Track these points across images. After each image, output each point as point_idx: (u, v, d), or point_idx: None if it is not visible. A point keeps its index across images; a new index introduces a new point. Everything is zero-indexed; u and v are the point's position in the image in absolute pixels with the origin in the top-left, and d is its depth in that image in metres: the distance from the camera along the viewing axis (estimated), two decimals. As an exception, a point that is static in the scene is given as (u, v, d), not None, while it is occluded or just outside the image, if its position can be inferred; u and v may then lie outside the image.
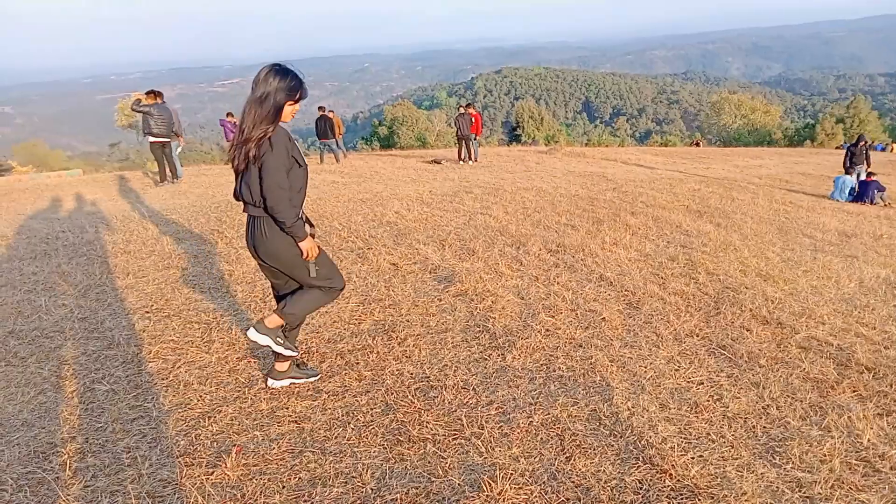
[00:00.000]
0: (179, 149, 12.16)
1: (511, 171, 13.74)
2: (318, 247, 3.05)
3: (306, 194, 3.07)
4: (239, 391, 3.32)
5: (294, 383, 3.38)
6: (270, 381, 3.35)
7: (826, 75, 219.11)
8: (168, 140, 11.12)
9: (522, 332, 4.11)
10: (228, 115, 16.21)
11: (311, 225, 3.11)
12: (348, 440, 2.86)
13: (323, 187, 10.59)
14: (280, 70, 2.82)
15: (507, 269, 5.41)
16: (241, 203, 2.98)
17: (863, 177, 12.74)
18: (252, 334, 3.13)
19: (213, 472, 2.61)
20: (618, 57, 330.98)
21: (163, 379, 3.46)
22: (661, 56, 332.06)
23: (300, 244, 2.93)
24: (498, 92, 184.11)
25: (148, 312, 4.46)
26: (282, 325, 3.19)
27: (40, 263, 5.76)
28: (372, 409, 3.14)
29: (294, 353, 3.27)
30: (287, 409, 3.13)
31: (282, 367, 3.34)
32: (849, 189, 12.21)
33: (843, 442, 2.86)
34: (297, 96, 2.85)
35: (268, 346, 3.17)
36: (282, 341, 3.18)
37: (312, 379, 3.43)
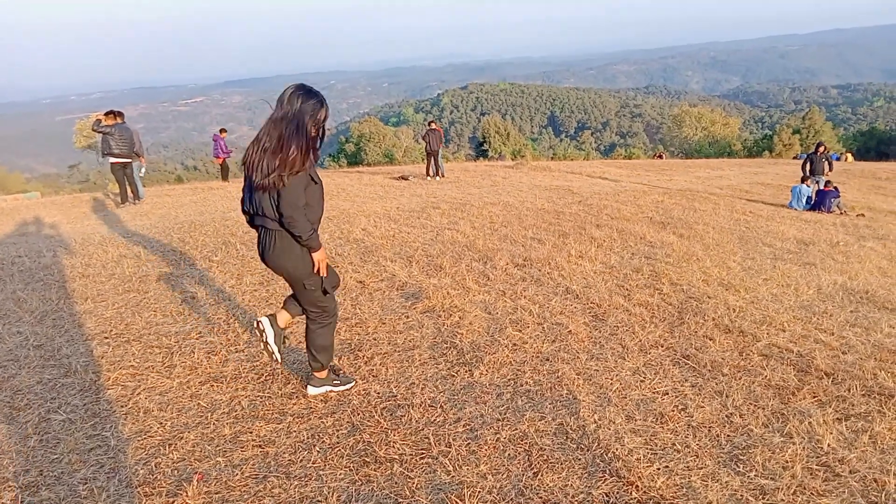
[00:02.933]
0: (143, 170, 11.98)
1: (478, 186, 13.82)
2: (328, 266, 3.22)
3: (323, 211, 3.19)
4: (201, 416, 3.25)
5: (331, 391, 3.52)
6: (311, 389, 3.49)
7: (782, 88, 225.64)
8: (129, 160, 10.93)
9: (490, 347, 4.10)
10: (222, 130, 16.07)
11: None
12: (314, 463, 2.81)
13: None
14: (308, 92, 2.96)
15: (474, 285, 5.42)
16: (246, 216, 3.14)
17: (821, 185, 13.11)
18: (312, 391, 3.43)
19: (173, 502, 2.54)
20: (581, 72, 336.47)
21: (122, 406, 3.36)
22: (623, 70, 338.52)
23: (314, 255, 3.07)
24: (464, 108, 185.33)
25: (107, 338, 4.35)
26: (332, 367, 3.55)
27: (-6, 290, 5.58)
28: (338, 431, 3.09)
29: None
30: (251, 433, 3.07)
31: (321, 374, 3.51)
32: (805, 198, 12.55)
33: (804, 448, 2.91)
34: (321, 116, 2.98)
35: (329, 390, 3.46)
36: (337, 381, 3.50)
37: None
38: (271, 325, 3.34)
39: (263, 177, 2.89)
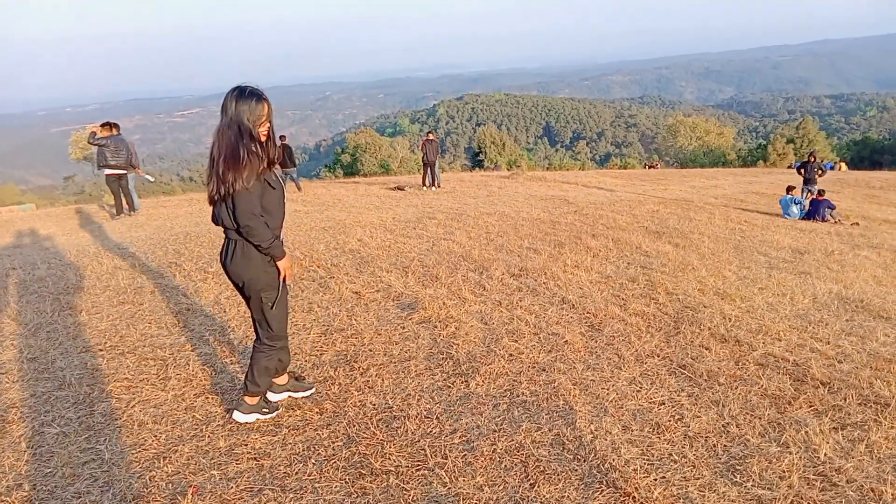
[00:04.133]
0: (149, 178, 11.99)
1: (474, 196, 13.84)
2: (283, 291, 3.12)
3: (285, 215, 3.10)
4: (196, 429, 3.23)
5: (292, 396, 3.51)
6: (271, 395, 3.42)
7: (776, 97, 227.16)
8: (124, 172, 10.93)
9: (486, 357, 4.10)
10: None
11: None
12: (309, 476, 2.79)
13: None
14: (242, 92, 2.84)
15: (470, 295, 5.41)
16: (220, 227, 3.02)
17: (815, 194, 13.17)
18: (239, 417, 3.27)
19: (167, 516, 2.52)
20: (576, 82, 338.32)
21: (116, 419, 3.34)
22: (617, 81, 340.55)
23: (278, 263, 3.00)
24: (460, 118, 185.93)
25: (101, 350, 4.32)
26: (291, 375, 3.49)
27: (-12, 302, 5.55)
28: (333, 443, 3.08)
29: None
30: (246, 445, 3.05)
31: (281, 380, 3.45)
32: (795, 206, 12.61)
33: (800, 457, 2.90)
34: (260, 113, 2.85)
35: (258, 418, 3.29)
36: (266, 409, 3.32)
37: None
38: (278, 393, 3.42)
39: (216, 188, 2.80)
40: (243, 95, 2.82)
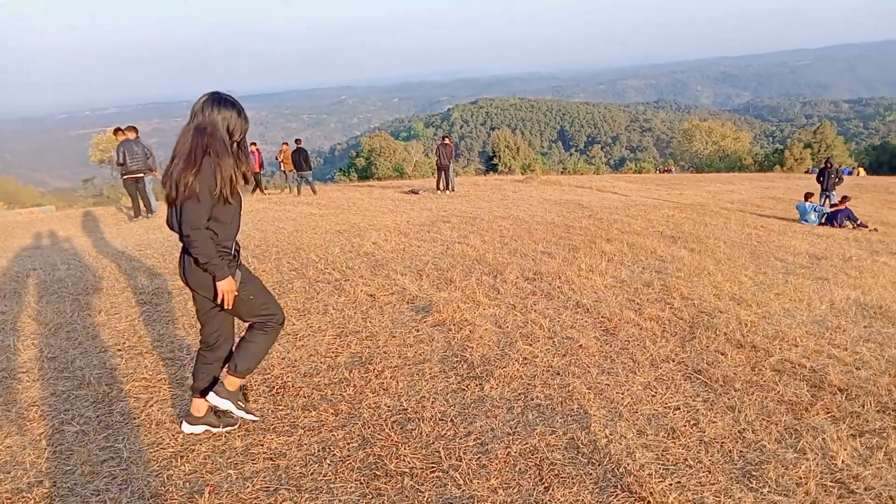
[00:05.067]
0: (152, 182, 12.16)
1: (488, 200, 13.85)
2: (251, 280, 2.93)
3: (240, 227, 2.92)
4: (213, 429, 3.26)
5: (210, 430, 3.20)
6: (185, 426, 3.19)
7: (793, 102, 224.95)
8: (141, 175, 11.07)
9: (500, 361, 4.10)
10: (252, 144, 16.31)
11: (238, 261, 2.92)
12: (324, 476, 2.81)
13: (300, 219, 10.57)
14: (223, 100, 2.72)
15: (484, 298, 5.42)
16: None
17: (833, 200, 13.00)
18: (213, 398, 3.02)
19: (185, 514, 2.55)
20: (590, 87, 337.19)
21: (134, 418, 3.38)
22: (632, 85, 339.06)
23: (217, 283, 2.74)
24: (474, 122, 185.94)
25: (120, 350, 4.38)
26: (242, 385, 3.12)
27: (9, 302, 5.64)
28: (349, 444, 3.10)
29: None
30: (262, 445, 3.08)
31: (198, 410, 3.16)
32: (815, 214, 12.48)
33: (817, 464, 2.88)
34: (236, 126, 2.74)
35: (229, 410, 3.04)
36: (242, 405, 3.09)
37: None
38: (222, 398, 3.01)
39: (169, 188, 2.67)
40: (224, 103, 2.71)
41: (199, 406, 3.16)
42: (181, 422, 3.25)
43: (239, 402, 3.07)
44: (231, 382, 3.03)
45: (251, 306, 2.95)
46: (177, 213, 2.70)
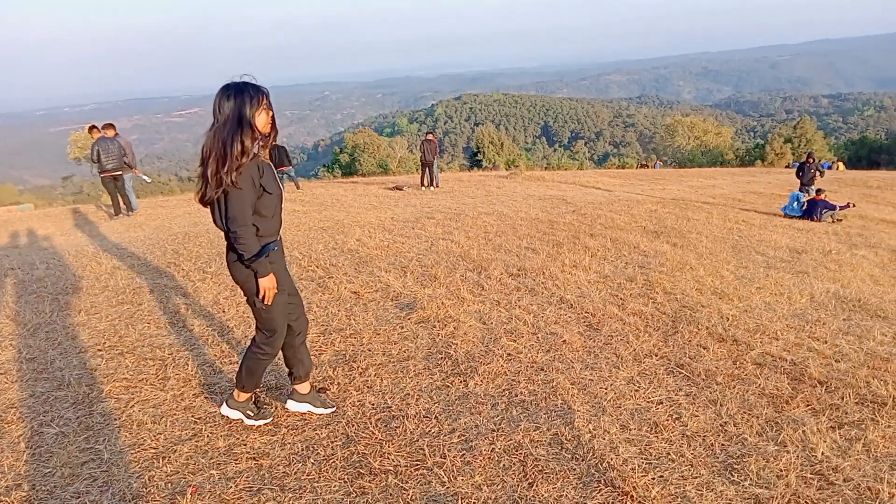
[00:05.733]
0: (146, 178, 12.01)
1: (472, 196, 13.85)
2: (281, 290, 2.96)
3: (282, 223, 3.00)
4: (195, 429, 3.23)
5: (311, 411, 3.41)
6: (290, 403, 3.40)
7: (773, 97, 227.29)
8: (120, 173, 10.92)
9: (484, 357, 4.11)
10: None
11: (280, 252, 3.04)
12: (308, 475, 2.80)
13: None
14: (235, 86, 2.71)
15: (468, 294, 5.42)
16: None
17: (812, 194, 13.19)
18: (225, 411, 3.26)
19: (167, 515, 2.52)
20: (574, 82, 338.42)
21: (115, 419, 3.35)
22: (615, 81, 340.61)
23: (259, 280, 2.81)
24: (458, 118, 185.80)
25: (100, 350, 4.33)
26: (315, 386, 3.47)
27: (-13, 302, 5.55)
28: (332, 443, 3.08)
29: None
30: (245, 445, 3.06)
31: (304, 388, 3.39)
32: (797, 203, 12.68)
33: (798, 456, 2.92)
34: (263, 104, 2.74)
35: (240, 417, 3.25)
36: (252, 414, 3.26)
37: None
38: (296, 401, 3.36)
39: (204, 188, 2.72)
40: (236, 89, 2.70)
41: (302, 388, 3.39)
42: (286, 400, 3.41)
43: (248, 413, 3.26)
44: (238, 398, 3.25)
45: (262, 316, 2.99)
46: (220, 211, 2.76)
